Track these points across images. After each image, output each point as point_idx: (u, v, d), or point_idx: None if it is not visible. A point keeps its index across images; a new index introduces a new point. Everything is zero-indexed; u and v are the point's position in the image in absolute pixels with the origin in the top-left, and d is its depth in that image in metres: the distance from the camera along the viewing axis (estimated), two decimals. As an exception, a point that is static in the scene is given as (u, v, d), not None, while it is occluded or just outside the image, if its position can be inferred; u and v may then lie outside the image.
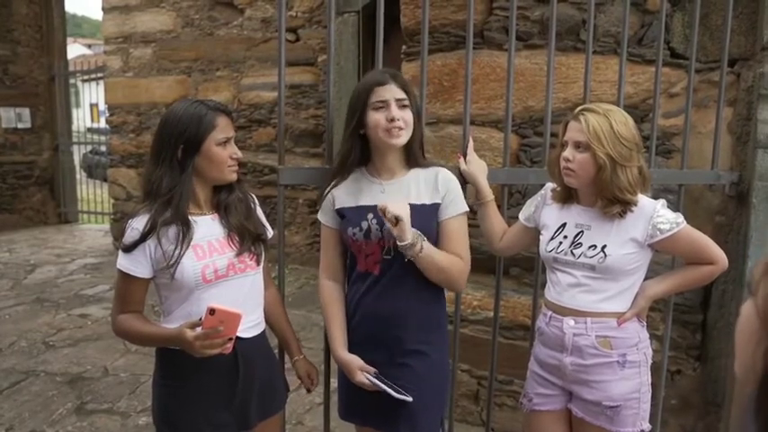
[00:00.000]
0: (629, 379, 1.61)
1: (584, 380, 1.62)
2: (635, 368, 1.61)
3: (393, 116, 1.51)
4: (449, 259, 1.56)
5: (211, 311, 1.30)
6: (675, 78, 2.44)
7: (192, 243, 1.46)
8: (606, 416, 1.61)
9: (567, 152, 1.59)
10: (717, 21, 2.36)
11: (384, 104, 1.52)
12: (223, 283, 1.50)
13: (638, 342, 1.63)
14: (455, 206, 1.60)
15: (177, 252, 1.43)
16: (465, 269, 1.60)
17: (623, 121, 1.56)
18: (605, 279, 1.60)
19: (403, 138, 1.54)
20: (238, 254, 1.52)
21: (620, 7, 2.24)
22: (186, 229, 1.45)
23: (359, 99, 1.55)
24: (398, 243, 1.47)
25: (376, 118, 1.52)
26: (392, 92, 1.52)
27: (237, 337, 1.38)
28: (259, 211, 1.65)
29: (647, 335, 1.68)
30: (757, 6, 2.32)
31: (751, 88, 2.31)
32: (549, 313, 1.68)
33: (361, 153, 1.60)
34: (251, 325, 1.55)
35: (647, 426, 1.64)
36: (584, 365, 1.61)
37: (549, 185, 1.77)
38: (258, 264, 1.58)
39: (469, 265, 1.62)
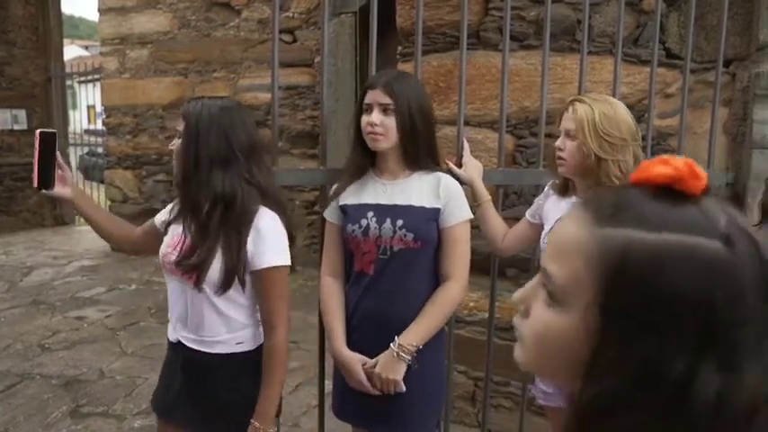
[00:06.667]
0: None
1: None
2: None
3: (372, 121, 1.51)
4: (439, 310, 1.54)
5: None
6: (671, 79, 2.44)
7: None
8: None
9: (560, 141, 1.61)
10: (712, 21, 2.36)
11: (369, 108, 1.52)
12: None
13: None
14: (459, 212, 1.58)
15: None
16: (458, 293, 1.57)
17: (607, 112, 1.54)
18: None
19: (381, 143, 1.53)
20: None
21: (616, 7, 2.23)
22: None
23: (360, 101, 1.57)
24: None
25: (363, 120, 1.53)
26: (376, 96, 1.51)
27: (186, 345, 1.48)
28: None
29: None
30: (752, 7, 2.32)
31: (746, 88, 2.31)
32: None
33: (371, 154, 1.60)
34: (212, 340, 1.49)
35: None
36: None
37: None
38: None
39: (465, 280, 1.58)
